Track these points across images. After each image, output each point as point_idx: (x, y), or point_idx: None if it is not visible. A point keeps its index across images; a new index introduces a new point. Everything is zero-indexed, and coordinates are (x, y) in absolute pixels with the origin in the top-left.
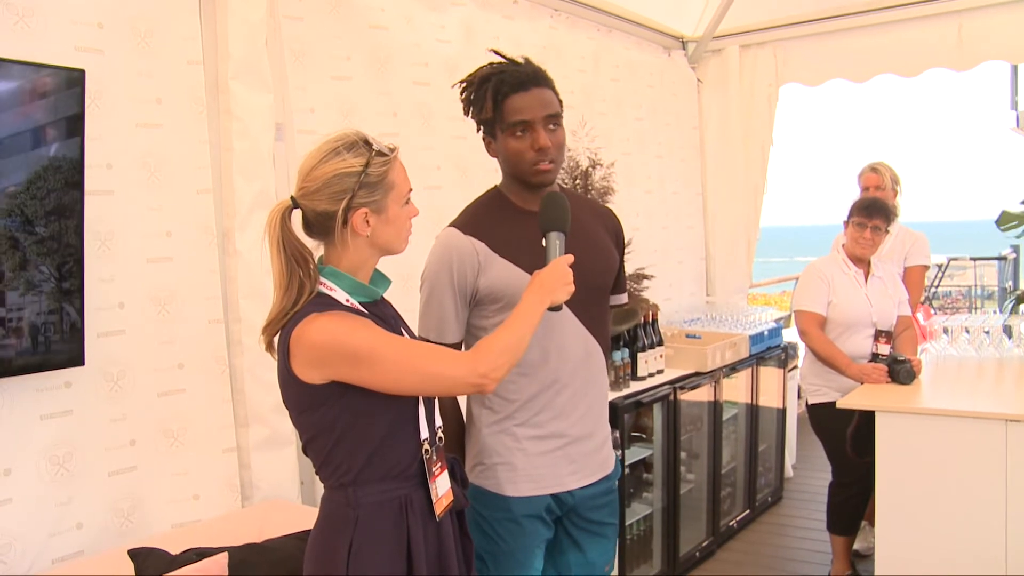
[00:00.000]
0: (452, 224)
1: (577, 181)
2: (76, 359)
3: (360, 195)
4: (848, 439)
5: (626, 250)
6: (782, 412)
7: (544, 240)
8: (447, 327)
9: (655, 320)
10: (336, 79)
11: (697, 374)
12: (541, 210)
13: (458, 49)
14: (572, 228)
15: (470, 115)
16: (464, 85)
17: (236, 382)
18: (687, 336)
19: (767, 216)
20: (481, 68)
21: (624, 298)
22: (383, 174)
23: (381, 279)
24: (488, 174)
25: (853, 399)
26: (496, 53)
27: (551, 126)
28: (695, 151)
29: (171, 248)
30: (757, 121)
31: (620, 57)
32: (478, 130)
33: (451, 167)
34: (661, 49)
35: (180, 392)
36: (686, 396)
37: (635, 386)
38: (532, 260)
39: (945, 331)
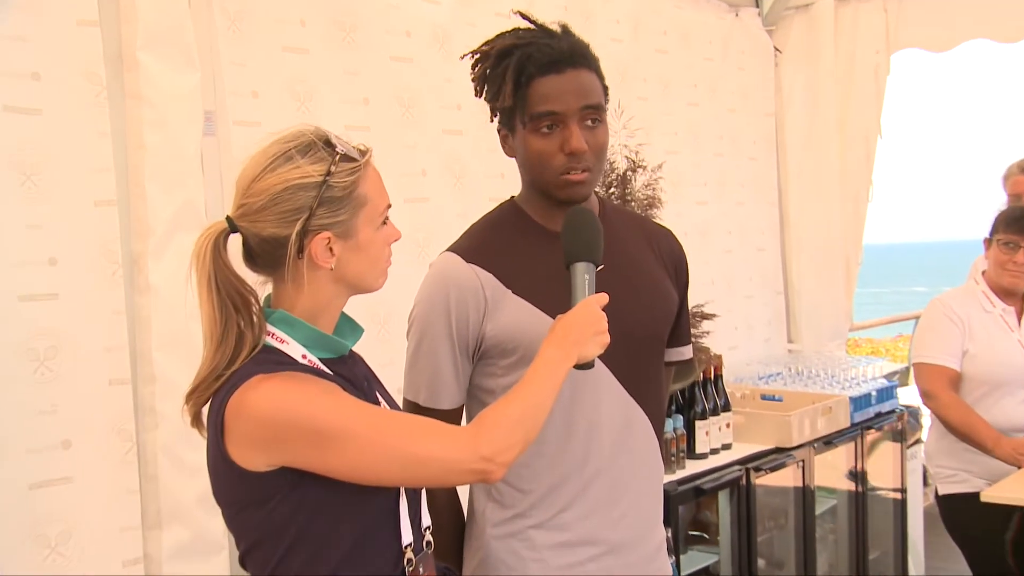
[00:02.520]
0: (451, 248)
1: (612, 190)
2: None
3: (320, 214)
4: (1009, 546)
5: None
6: (902, 504)
7: (569, 273)
8: (442, 388)
9: (718, 376)
10: (288, 51)
11: (778, 450)
12: (563, 232)
13: (450, 13)
14: (611, 255)
15: (483, 97)
16: (477, 57)
17: (146, 466)
18: (763, 398)
19: (872, 232)
20: (501, 35)
21: (688, 352)
22: (351, 185)
23: (350, 327)
24: (490, 181)
25: (1005, 489)
26: (523, 16)
27: (589, 121)
28: (770, 146)
29: (56, 281)
30: (860, 103)
31: (668, 19)
32: (492, 118)
33: (441, 171)
34: (726, 7)
35: (63, 482)
36: (763, 481)
37: (692, 467)
38: (557, 298)
39: None
